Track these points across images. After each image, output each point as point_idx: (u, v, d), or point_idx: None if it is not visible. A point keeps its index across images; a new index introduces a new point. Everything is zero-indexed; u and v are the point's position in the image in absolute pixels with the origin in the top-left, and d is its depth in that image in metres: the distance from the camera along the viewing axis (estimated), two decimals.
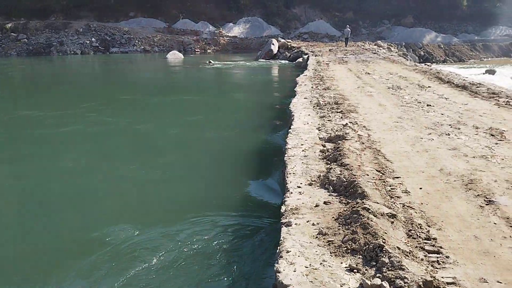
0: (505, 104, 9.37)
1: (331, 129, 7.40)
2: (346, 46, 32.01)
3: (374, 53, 24.92)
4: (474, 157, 5.70)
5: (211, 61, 29.29)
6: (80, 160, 8.20)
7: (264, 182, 7.02)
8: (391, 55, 25.08)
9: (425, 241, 3.63)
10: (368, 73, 15.54)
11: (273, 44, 31.65)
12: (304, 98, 10.72)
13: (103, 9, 41.35)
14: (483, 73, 24.76)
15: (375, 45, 32.02)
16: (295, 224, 4.04)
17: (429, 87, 11.97)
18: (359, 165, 5.26)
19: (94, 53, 37.19)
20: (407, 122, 7.80)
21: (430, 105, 9.25)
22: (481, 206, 4.25)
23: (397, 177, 5.12)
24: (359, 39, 39.62)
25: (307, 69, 18.18)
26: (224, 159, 8.32)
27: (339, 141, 6.36)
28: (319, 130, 7.49)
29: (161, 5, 42.93)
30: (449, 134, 6.88)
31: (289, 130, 7.56)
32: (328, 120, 8.09)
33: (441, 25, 42.08)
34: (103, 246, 4.83)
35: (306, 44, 33.65)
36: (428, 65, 30.81)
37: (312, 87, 12.46)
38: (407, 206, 4.30)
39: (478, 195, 4.49)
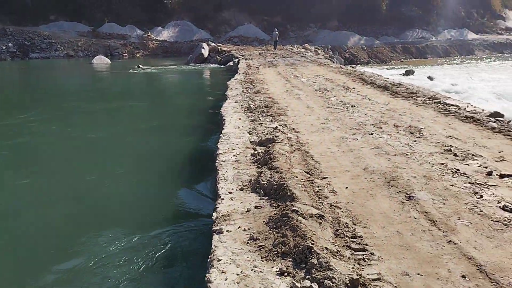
0: (422, 103, 10.00)
1: (262, 132, 7.46)
2: (274, 49, 32.64)
3: (302, 56, 25.62)
4: (395, 154, 6.01)
5: (140, 65, 28.51)
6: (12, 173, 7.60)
7: (196, 189, 6.91)
8: (318, 57, 25.92)
9: (352, 239, 3.75)
10: (297, 76, 15.92)
11: (203, 48, 31.47)
12: (235, 102, 10.73)
13: (20, 12, 38.79)
14: (403, 74, 26.30)
15: (303, 48, 32.93)
16: (227, 231, 4.00)
17: (353, 88, 12.49)
18: (289, 168, 5.34)
19: (11, 59, 34.76)
20: (333, 123, 8.06)
21: (354, 106, 9.65)
22: (402, 202, 4.47)
23: (325, 178, 5.26)
24: (288, 42, 40.52)
25: (238, 72, 18.26)
26: (155, 167, 8.09)
27: (269, 144, 6.42)
28: (250, 134, 7.52)
29: (85, 8, 41.11)
30: (372, 134, 7.20)
31: (220, 135, 7.52)
32: (259, 124, 8.16)
33: (364, 28, 44.23)
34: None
35: (236, 48, 33.85)
36: (353, 67, 32.26)
37: (242, 90, 12.52)
38: (334, 206, 4.42)
39: (399, 191, 4.73)
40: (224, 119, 8.79)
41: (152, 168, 8.02)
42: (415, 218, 4.11)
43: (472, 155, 5.94)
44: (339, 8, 44.49)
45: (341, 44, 39.80)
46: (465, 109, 9.26)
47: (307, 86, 13.08)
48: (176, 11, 43.05)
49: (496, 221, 3.98)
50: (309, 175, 5.29)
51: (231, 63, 26.10)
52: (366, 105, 9.78)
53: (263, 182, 4.98)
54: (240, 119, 8.73)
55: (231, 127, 8.05)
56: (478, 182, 4.91)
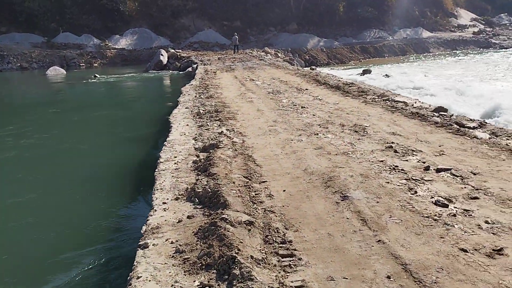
0: (371, 101, 10.08)
1: (207, 138, 7.28)
2: (234, 53, 32.57)
3: (261, 60, 25.60)
4: (336, 154, 5.95)
5: (96, 75, 27.79)
6: None
7: (139, 200, 6.65)
8: (277, 60, 25.97)
9: (281, 245, 3.62)
10: (253, 80, 15.83)
11: (162, 54, 31.01)
12: (186, 108, 10.51)
13: None
14: (361, 73, 26.69)
15: (262, 51, 32.96)
16: (153, 244, 3.80)
17: (306, 89, 12.49)
18: (226, 173, 5.18)
19: None
20: (281, 126, 7.97)
21: (304, 107, 9.60)
22: (337, 203, 4.39)
23: (264, 181, 5.13)
24: (248, 46, 40.52)
25: (194, 78, 18.02)
26: (100, 178, 7.77)
27: (211, 150, 6.25)
28: (196, 140, 7.33)
29: (37, 18, 39.78)
30: (317, 134, 7.14)
31: (164, 143, 7.29)
32: (206, 129, 7.97)
33: (323, 30, 44.76)
34: None
35: (196, 53, 33.52)
36: (313, 69, 32.54)
37: (195, 96, 12.31)
38: (269, 211, 4.29)
39: (335, 191, 4.64)
40: (171, 126, 8.57)
41: (96, 181, 7.69)
42: (347, 218, 4.02)
43: (413, 150, 5.96)
44: (298, 11, 44.91)
45: (301, 46, 40.11)
46: (412, 105, 9.38)
47: (261, 89, 12.99)
48: (133, 18, 42.29)
49: (426, 217, 3.94)
50: (248, 180, 5.15)
51: (190, 69, 25.79)
52: (316, 106, 9.76)
53: (198, 190, 4.80)
54: (187, 125, 8.52)
55: (177, 134, 7.84)
56: (414, 178, 4.90)
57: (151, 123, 12.08)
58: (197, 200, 4.67)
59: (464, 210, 4.06)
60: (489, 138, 6.54)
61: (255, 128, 7.89)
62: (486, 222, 3.79)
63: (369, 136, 6.83)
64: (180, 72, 28.04)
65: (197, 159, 6.14)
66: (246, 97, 11.64)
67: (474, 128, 7.14)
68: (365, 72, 27.15)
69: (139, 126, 11.69)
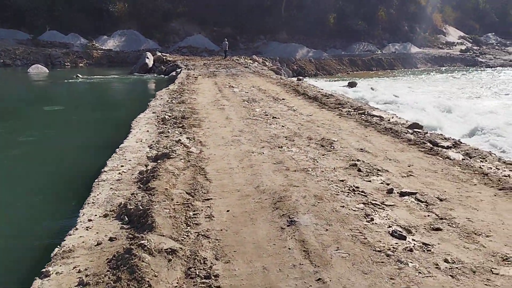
0: (346, 114, 9.59)
1: (163, 146, 6.69)
2: (225, 58, 32.27)
3: (246, 67, 25.11)
4: (295, 170, 5.40)
5: (78, 75, 27.00)
6: None
7: (71, 214, 6.01)
8: (262, 69, 25.51)
9: (203, 280, 3.04)
10: (232, 87, 15.29)
11: (147, 57, 30.34)
12: (153, 112, 9.92)
13: None
14: (347, 86, 26.35)
15: (250, 59, 32.50)
16: (56, 273, 3.20)
17: (283, 99, 11.98)
18: (167, 188, 4.60)
19: None
20: (246, 136, 7.41)
21: (275, 118, 9.07)
22: (282, 228, 3.83)
23: (208, 199, 4.56)
24: (238, 53, 40.05)
25: (174, 82, 17.45)
26: (38, 187, 7.09)
27: (160, 161, 5.67)
28: (151, 148, 6.74)
29: (24, 15, 38.93)
30: (281, 147, 6.60)
31: (116, 149, 6.69)
32: (166, 137, 7.38)
33: (312, 41, 44.50)
34: None
35: (182, 58, 32.92)
36: (300, 79, 32.15)
37: (168, 100, 11.72)
38: (202, 235, 3.71)
39: (283, 214, 4.09)
40: (130, 131, 7.97)
41: (32, 190, 6.99)
42: (289, 249, 3.46)
43: (378, 170, 5.43)
44: (288, 20, 44.63)
45: (290, 56, 39.74)
46: (388, 120, 8.91)
47: (237, 97, 12.45)
48: (122, 19, 41.60)
49: (379, 251, 3.40)
50: (190, 197, 4.57)
51: (174, 73, 25.17)
52: (288, 117, 9.23)
53: (130, 207, 4.22)
54: (147, 131, 7.93)
55: (132, 141, 7.24)
56: (374, 202, 4.36)
57: (116, 127, 11.32)
58: (127, 219, 4.08)
59: (423, 244, 3.52)
60: (462, 159, 6.06)
61: (218, 138, 7.33)
62: (446, 260, 3.26)
63: (335, 152, 6.30)
64: (165, 76, 27.41)
65: (145, 169, 5.55)
66: (219, 104, 11.08)
67: (448, 147, 6.66)
68: (351, 84, 26.83)
69: (103, 131, 11.01)
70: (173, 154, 5.94)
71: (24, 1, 39.04)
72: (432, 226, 3.85)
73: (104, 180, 5.23)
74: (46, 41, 38.82)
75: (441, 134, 7.52)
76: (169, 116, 9.19)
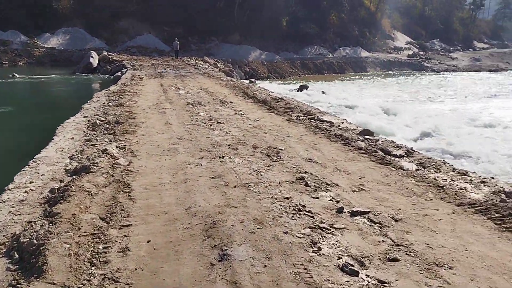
0: (296, 119, 9.02)
1: (87, 157, 5.78)
2: (177, 58, 31.32)
3: (196, 68, 24.21)
4: (235, 186, 4.71)
5: (15, 74, 25.06)
6: None
7: None
8: (213, 70, 24.71)
9: None
10: (178, 88, 14.40)
11: (92, 57, 28.73)
12: (84, 116, 8.91)
13: None
14: (298, 89, 26.07)
15: (201, 60, 31.59)
16: None
17: (231, 102, 11.28)
18: (75, 214, 3.76)
19: None
20: (184, 144, 6.63)
21: (220, 123, 8.34)
22: (212, 265, 3.11)
23: (128, 225, 3.77)
24: (189, 54, 38.94)
25: (116, 83, 16.33)
26: None
27: (75, 176, 4.80)
28: (72, 159, 5.82)
29: None
30: (223, 157, 5.89)
31: (30, 161, 5.72)
32: (92, 145, 6.47)
33: (265, 43, 44.15)
34: None
35: (130, 58, 31.46)
36: (252, 81, 31.60)
37: (104, 103, 10.69)
38: (110, 279, 2.93)
39: (215, 245, 3.37)
40: (53, 139, 6.98)
41: None
42: None
43: (327, 184, 4.85)
44: (241, 22, 44.05)
45: (243, 58, 39.17)
46: (338, 126, 8.43)
47: (182, 99, 11.61)
48: (67, 17, 39.34)
49: None
50: (105, 223, 3.76)
51: (119, 74, 23.84)
52: (234, 122, 8.53)
53: (24, 240, 3.35)
54: (72, 138, 6.97)
55: (52, 150, 6.28)
56: (322, 226, 3.74)
57: (41, 133, 10.13)
58: (17, 256, 3.22)
59: (379, 281, 2.93)
60: (416, 169, 5.61)
61: (152, 146, 6.50)
62: None
63: (282, 162, 5.67)
64: (111, 77, 25.97)
65: (57, 186, 4.66)
66: (161, 107, 10.20)
67: (400, 156, 6.22)
68: (302, 87, 26.60)
69: (24, 137, 9.84)
70: (94, 167, 5.08)
71: None
72: (388, 256, 3.27)
73: (3, 201, 4.30)
74: None
75: (393, 141, 7.10)
76: (102, 120, 8.24)
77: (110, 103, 10.53)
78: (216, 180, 4.92)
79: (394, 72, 43.98)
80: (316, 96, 24.08)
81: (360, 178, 5.19)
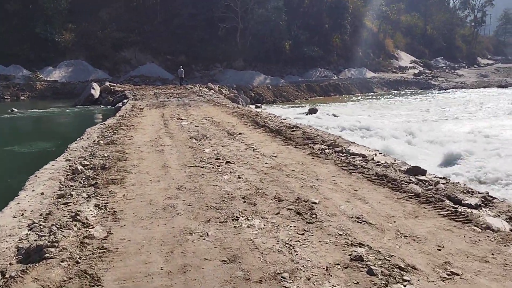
0: (320, 152, 7.35)
1: (51, 226, 4.12)
2: (181, 86, 30.44)
3: (200, 96, 22.77)
4: (260, 280, 2.99)
5: (14, 109, 23.73)
6: None
7: None
8: (218, 97, 23.25)
9: None
10: (181, 119, 12.84)
11: (93, 88, 27.45)
12: (67, 160, 7.28)
13: None
14: (307, 113, 24.54)
15: (205, 87, 30.24)
16: None
17: (240, 134, 9.64)
18: None
19: None
20: (185, 198, 4.95)
21: (230, 162, 6.68)
22: None
23: None
24: (193, 81, 37.70)
25: (114, 115, 14.84)
26: None
27: (22, 271, 3.12)
28: (31, 229, 4.16)
29: None
30: (237, 219, 4.20)
31: None
32: (64, 204, 4.81)
33: (269, 68, 42.94)
34: None
35: (132, 87, 30.15)
36: (258, 106, 30.16)
37: (95, 141, 9.08)
38: None
39: None
40: (18, 194, 5.34)
41: None
42: None
43: (400, 269, 3.12)
44: (244, 48, 42.97)
45: (247, 83, 37.87)
46: (373, 159, 6.73)
47: (184, 132, 10.00)
48: (69, 49, 38.41)
49: None
50: None
51: (120, 104, 22.43)
52: (246, 160, 6.87)
53: None
54: (42, 193, 5.32)
55: (10, 214, 4.63)
56: None
57: (16, 177, 8.50)
58: None
59: None
60: (511, 230, 3.89)
61: (143, 203, 4.83)
62: None
63: (321, 226, 3.97)
64: (112, 107, 24.58)
65: None
66: (159, 143, 8.57)
67: (477, 206, 4.50)
68: (311, 111, 25.05)
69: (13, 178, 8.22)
70: (52, 249, 3.40)
71: None
72: None
73: None
74: None
75: (458, 184, 5.36)
76: (85, 165, 6.60)
77: (101, 141, 8.91)
78: (231, 267, 3.21)
79: (401, 91, 42.47)
80: (327, 120, 22.51)
81: (439, 250, 3.48)
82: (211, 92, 26.09)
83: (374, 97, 39.69)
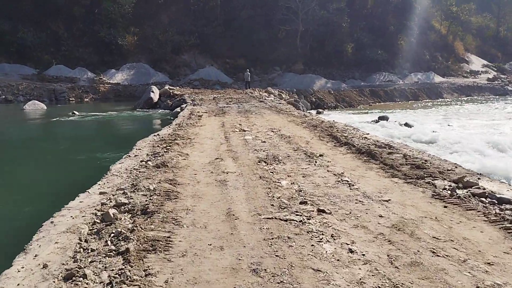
0: (450, 195, 4.87)
1: None
2: (247, 89, 29.22)
3: (261, 101, 20.68)
4: None
5: (75, 112, 22.96)
6: None
7: None
8: (280, 103, 21.03)
9: None
10: (243, 131, 10.77)
11: (152, 91, 26.23)
12: (101, 192, 5.35)
13: None
14: (375, 120, 21.71)
15: (265, 92, 28.19)
16: None
17: (320, 156, 7.35)
18: None
19: None
20: None
21: (324, 211, 4.40)
22: None
23: None
24: (252, 85, 35.93)
25: (170, 124, 13.08)
26: None
27: None
28: None
29: (30, 50, 35.68)
30: None
31: None
32: (83, 276, 2.78)
33: (330, 71, 40.18)
34: None
35: (191, 91, 28.70)
36: (320, 112, 27.66)
37: (143, 160, 7.16)
38: None
39: None
40: (12, 264, 3.39)
41: None
42: None
43: None
44: (304, 51, 40.55)
45: (307, 87, 35.42)
46: None
47: (250, 151, 7.86)
48: (132, 53, 38.00)
49: None
50: None
51: (178, 109, 20.88)
52: (347, 207, 4.56)
53: None
54: (45, 266, 3.32)
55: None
56: None
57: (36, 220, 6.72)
58: None
59: None
60: None
61: None
62: None
63: None
64: (170, 112, 23.16)
65: None
66: (221, 168, 6.47)
67: None
68: (381, 119, 22.15)
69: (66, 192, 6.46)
70: None
71: (30, 36, 35.91)
72: None
73: None
74: (52, 76, 35.24)
75: None
76: (122, 204, 4.61)
77: (150, 161, 6.97)
78: None
79: (473, 97, 38.07)
80: (400, 130, 19.56)
81: None
82: (272, 98, 23.94)
83: (445, 103, 35.74)
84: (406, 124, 21.00)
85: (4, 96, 31.73)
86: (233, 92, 27.37)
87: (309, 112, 22.34)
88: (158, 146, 8.64)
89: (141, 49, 38.11)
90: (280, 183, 5.59)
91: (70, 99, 33.16)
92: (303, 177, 5.89)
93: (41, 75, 35.32)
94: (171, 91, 27.27)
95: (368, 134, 10.20)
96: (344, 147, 8.26)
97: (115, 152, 10.71)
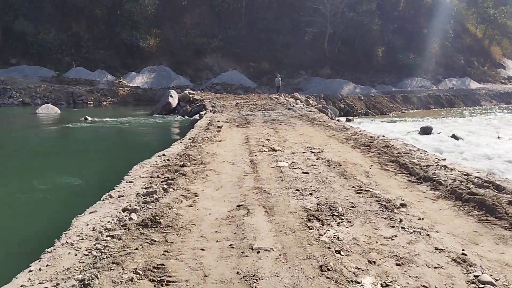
0: None
1: None
2: (277, 93, 27.34)
3: (289, 109, 17.93)
4: None
5: (87, 117, 20.73)
6: None
7: None
8: (310, 111, 18.20)
9: None
10: (274, 150, 8.04)
11: (171, 96, 23.80)
12: (82, 261, 2.69)
13: None
14: (419, 132, 18.62)
15: (291, 97, 25.39)
16: None
17: (402, 206, 4.53)
18: None
19: None
20: None
21: None
22: None
23: None
24: (276, 90, 33.12)
25: (184, 136, 10.48)
26: None
27: None
28: None
29: (50, 52, 33.92)
30: None
31: None
32: None
33: (358, 76, 37.10)
34: None
35: (212, 96, 26.15)
36: (349, 119, 24.69)
37: (126, 209, 4.50)
38: None
39: None
40: None
41: None
42: None
43: None
44: (332, 54, 37.56)
45: (335, 92, 32.45)
46: None
47: (290, 194, 5.11)
48: (153, 55, 35.85)
49: None
50: None
51: (197, 116, 18.30)
52: None
53: None
54: None
55: None
56: None
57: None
58: None
59: None
60: None
61: None
62: None
63: None
64: (190, 118, 20.58)
65: None
66: (246, 236, 3.70)
67: None
68: (424, 130, 19.00)
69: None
70: None
71: (51, 38, 34.20)
72: None
73: None
74: (71, 78, 33.39)
75: None
76: None
77: (136, 213, 4.30)
78: None
79: None
80: (448, 144, 16.42)
81: None
82: (301, 105, 21.12)
83: (484, 111, 32.13)
84: (453, 136, 17.76)
85: (21, 99, 29.96)
86: (257, 98, 24.67)
87: (337, 119, 19.51)
88: (158, 176, 5.98)
89: (163, 52, 35.91)
90: (357, 281, 2.83)
91: (88, 102, 31.17)
92: (397, 265, 3.10)
93: (60, 77, 33.51)
94: (191, 96, 24.75)
95: (445, 159, 7.29)
96: (425, 185, 5.42)
97: (109, 175, 8.04)
